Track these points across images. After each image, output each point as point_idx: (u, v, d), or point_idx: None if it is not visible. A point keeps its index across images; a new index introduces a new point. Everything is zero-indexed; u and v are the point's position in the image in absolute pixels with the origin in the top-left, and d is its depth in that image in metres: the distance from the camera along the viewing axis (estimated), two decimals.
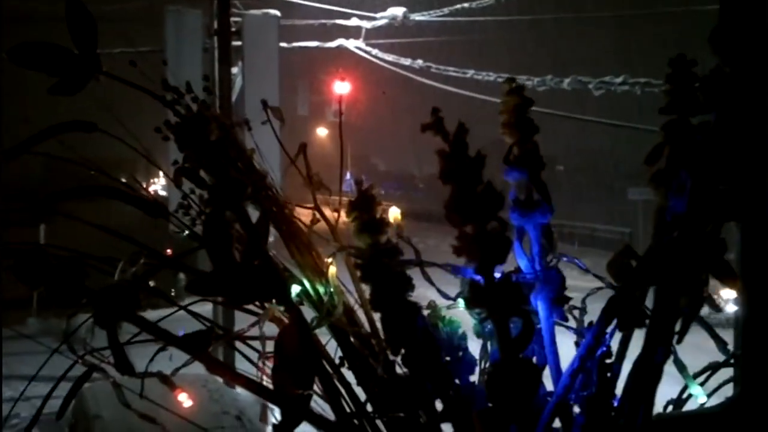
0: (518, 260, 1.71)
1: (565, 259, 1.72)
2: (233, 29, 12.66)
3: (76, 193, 1.68)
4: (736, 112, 1.59)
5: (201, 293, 1.53)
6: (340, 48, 17.81)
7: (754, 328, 1.80)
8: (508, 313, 1.48)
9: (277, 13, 13.38)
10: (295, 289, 1.66)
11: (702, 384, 1.87)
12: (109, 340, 1.45)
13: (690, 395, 1.87)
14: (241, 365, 1.73)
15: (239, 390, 7.62)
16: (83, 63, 1.70)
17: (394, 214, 1.73)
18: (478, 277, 1.49)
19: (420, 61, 16.33)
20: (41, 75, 1.68)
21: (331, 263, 1.70)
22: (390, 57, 17.46)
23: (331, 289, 1.66)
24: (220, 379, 7.86)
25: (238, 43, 12.68)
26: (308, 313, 1.68)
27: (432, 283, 1.65)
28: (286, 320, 1.62)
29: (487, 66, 14.52)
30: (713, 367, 1.93)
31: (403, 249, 1.67)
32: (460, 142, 1.45)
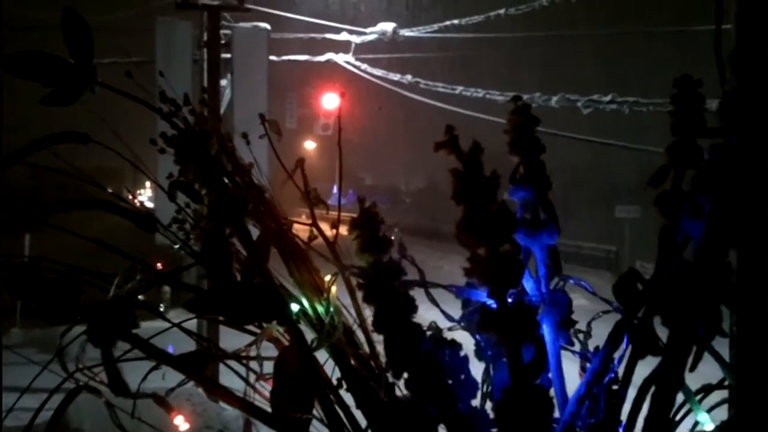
0: (524, 282, 1.67)
1: (571, 281, 1.69)
2: (223, 41, 12.65)
3: (67, 206, 1.64)
4: (758, 135, 1.57)
5: (199, 312, 1.49)
6: (329, 62, 17.79)
7: (750, 349, 1.77)
8: (520, 339, 1.44)
9: (267, 26, 13.37)
10: (294, 307, 1.62)
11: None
12: (103, 358, 1.41)
13: (682, 417, 1.83)
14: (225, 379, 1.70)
15: (223, 404, 7.55)
16: (79, 73, 1.66)
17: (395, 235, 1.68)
18: (490, 301, 1.45)
19: (409, 77, 16.32)
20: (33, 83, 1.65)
21: (332, 283, 1.65)
22: (379, 72, 17.45)
23: (332, 309, 1.62)
24: (203, 392, 7.78)
25: (228, 55, 12.65)
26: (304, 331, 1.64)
27: (437, 305, 1.61)
28: (284, 340, 1.58)
29: (477, 82, 14.52)
30: (706, 389, 1.90)
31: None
32: (474, 161, 1.41)
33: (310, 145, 35.17)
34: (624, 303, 1.60)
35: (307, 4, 18.18)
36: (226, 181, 1.61)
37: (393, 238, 1.62)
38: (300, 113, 22.55)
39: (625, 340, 1.55)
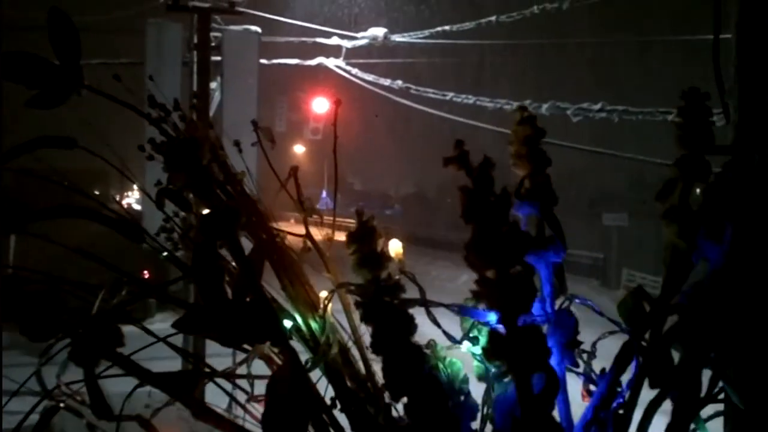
0: None
1: (577, 301, 1.62)
2: (213, 44, 12.60)
3: (50, 214, 1.58)
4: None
5: (188, 332, 1.42)
6: (319, 66, 17.74)
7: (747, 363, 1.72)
8: (531, 368, 1.36)
9: (258, 29, 13.32)
10: (287, 323, 1.55)
11: None
12: (85, 379, 1.33)
13: None
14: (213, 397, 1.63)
15: None
16: (65, 75, 1.60)
17: (394, 247, 1.63)
18: (499, 326, 1.38)
19: (399, 82, 16.29)
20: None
21: (328, 301, 1.59)
22: (370, 77, 17.41)
23: (327, 327, 1.55)
24: None
25: (218, 58, 12.59)
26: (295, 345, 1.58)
27: (438, 326, 1.54)
28: (277, 359, 1.51)
29: (469, 89, 14.48)
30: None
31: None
32: (485, 178, 1.34)
33: (299, 149, 35.15)
34: (630, 324, 1.54)
35: (299, 8, 18.16)
36: (218, 191, 1.54)
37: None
38: (290, 117, 22.52)
39: (634, 366, 1.49)
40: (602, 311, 1.60)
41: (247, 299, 1.40)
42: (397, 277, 1.54)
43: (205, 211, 1.50)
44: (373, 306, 1.46)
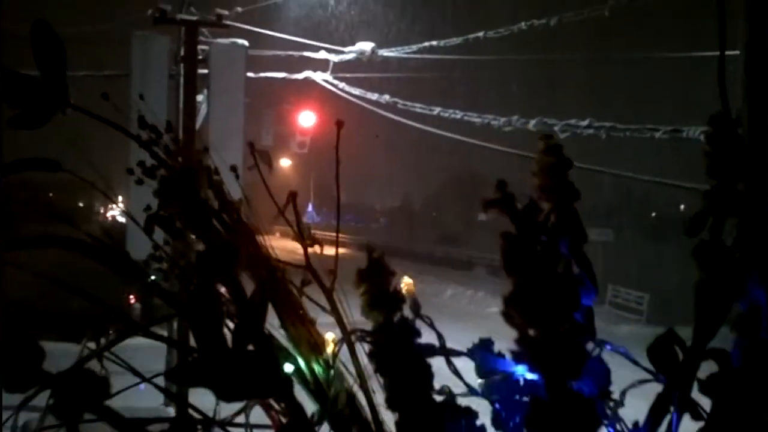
0: None
1: (608, 347, 1.48)
2: (200, 57, 12.49)
3: (29, 243, 1.45)
4: None
5: (183, 384, 1.28)
6: (306, 80, 17.66)
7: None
8: None
9: (245, 42, 13.23)
10: (288, 367, 1.42)
11: None
12: None
13: None
14: None
15: None
16: (49, 93, 1.48)
17: (405, 283, 1.49)
18: (541, 391, 1.23)
19: (387, 97, 16.21)
20: None
21: (336, 351, 1.46)
22: (357, 91, 17.33)
23: (334, 377, 1.42)
24: None
25: (205, 71, 12.48)
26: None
27: (460, 377, 1.40)
28: (278, 406, 1.37)
29: (458, 104, 14.42)
30: None
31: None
32: (531, 223, 1.21)
33: (285, 162, 35.03)
34: (663, 371, 1.41)
35: (287, 22, 18.10)
36: (215, 223, 1.41)
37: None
38: (276, 130, 22.38)
39: (674, 422, 1.34)
40: (636, 360, 1.47)
41: (249, 347, 1.26)
42: (412, 317, 1.40)
43: (201, 248, 1.37)
44: (388, 356, 1.32)
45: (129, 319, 1.53)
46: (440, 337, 1.44)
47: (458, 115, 14.32)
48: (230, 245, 1.35)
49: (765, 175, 1.68)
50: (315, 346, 1.49)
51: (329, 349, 1.48)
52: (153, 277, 1.57)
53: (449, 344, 1.48)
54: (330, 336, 1.50)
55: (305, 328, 1.51)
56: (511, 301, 1.21)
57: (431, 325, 1.44)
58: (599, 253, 27.28)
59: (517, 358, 1.24)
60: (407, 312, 1.41)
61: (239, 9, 13.67)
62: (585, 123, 12.07)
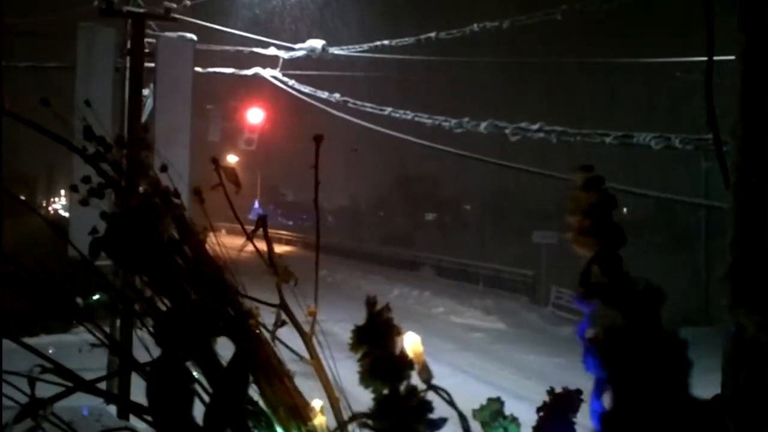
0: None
1: None
2: (147, 50, 12.28)
3: None
4: None
5: None
6: (256, 76, 17.50)
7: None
8: None
9: (194, 36, 13.06)
10: None
11: None
12: None
13: None
14: None
15: None
16: None
17: (411, 342, 1.26)
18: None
19: (337, 95, 16.15)
20: None
21: (319, 413, 1.29)
22: (307, 89, 17.23)
23: None
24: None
25: (152, 64, 12.28)
26: None
27: None
28: None
29: (407, 105, 14.42)
30: None
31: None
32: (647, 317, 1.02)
33: (232, 159, 34.76)
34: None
35: (237, 17, 17.92)
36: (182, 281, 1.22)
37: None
38: (224, 127, 22.15)
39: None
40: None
41: None
42: (421, 389, 1.20)
43: (164, 311, 1.19)
44: None
45: (74, 376, 1.33)
46: (462, 416, 1.25)
47: (409, 115, 14.33)
48: (204, 308, 1.15)
49: (763, 186, 1.66)
50: (296, 411, 1.29)
51: (317, 420, 1.29)
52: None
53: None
54: (318, 404, 1.33)
55: (286, 393, 1.32)
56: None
57: (452, 403, 1.25)
58: (543, 255, 27.56)
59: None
60: (415, 379, 1.21)
61: (188, 2, 13.48)
62: (536, 126, 12.16)
